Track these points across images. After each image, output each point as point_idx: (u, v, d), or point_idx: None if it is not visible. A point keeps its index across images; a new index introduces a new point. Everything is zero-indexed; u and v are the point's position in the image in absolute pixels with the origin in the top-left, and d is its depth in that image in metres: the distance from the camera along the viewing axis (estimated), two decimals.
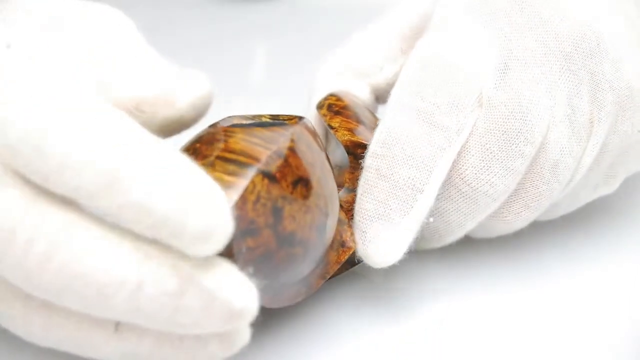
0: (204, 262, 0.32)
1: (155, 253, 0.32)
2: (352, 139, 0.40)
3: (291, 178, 0.35)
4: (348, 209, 0.40)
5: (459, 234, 0.41)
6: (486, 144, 0.39)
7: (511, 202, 0.41)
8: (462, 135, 0.39)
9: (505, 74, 0.40)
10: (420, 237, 0.42)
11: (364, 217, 0.39)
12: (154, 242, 0.32)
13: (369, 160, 0.39)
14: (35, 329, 0.34)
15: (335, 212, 0.38)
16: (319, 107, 0.42)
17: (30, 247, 0.32)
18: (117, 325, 0.34)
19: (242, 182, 0.34)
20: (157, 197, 0.31)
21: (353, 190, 0.41)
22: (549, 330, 0.40)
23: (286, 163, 0.35)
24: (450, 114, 0.39)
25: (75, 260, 0.32)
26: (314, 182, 0.36)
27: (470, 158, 0.39)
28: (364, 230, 0.39)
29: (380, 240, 0.38)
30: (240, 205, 0.33)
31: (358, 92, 0.45)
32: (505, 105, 0.39)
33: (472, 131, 0.39)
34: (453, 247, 0.43)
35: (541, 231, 0.45)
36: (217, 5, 0.69)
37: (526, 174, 0.40)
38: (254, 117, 0.38)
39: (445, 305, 0.42)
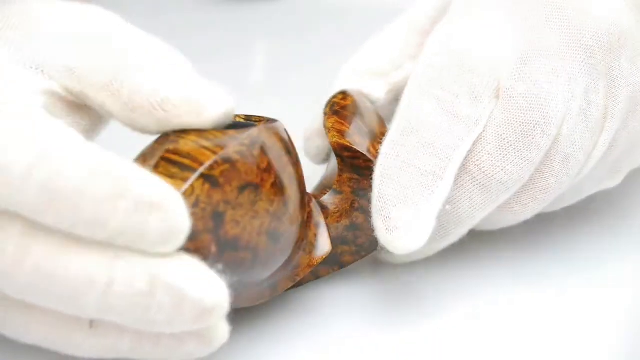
0: (173, 259, 0.33)
1: (126, 252, 0.32)
2: (339, 141, 0.40)
3: (237, 183, 0.35)
4: (335, 211, 0.40)
5: (466, 227, 0.41)
6: (503, 133, 0.40)
7: (520, 193, 0.41)
8: (480, 125, 0.40)
9: (525, 65, 0.40)
10: None
11: (386, 202, 0.38)
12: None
13: (388, 148, 0.39)
14: (17, 328, 0.35)
15: (296, 218, 0.38)
16: (325, 105, 0.42)
17: (3, 250, 0.32)
18: (92, 322, 0.34)
19: (179, 186, 0.34)
20: (108, 212, 0.32)
21: (340, 192, 0.41)
22: (553, 330, 0.41)
23: (233, 168, 0.35)
24: (470, 104, 0.40)
25: (46, 261, 0.32)
26: (266, 188, 0.36)
27: (487, 146, 0.40)
28: (386, 215, 0.38)
29: (405, 225, 0.38)
30: None
31: (375, 92, 0.45)
32: (523, 97, 0.40)
33: (490, 121, 0.40)
34: (455, 245, 0.43)
35: (541, 227, 0.45)
36: (217, 6, 0.69)
37: (537, 165, 0.40)
38: None
39: (448, 305, 0.42)
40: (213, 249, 0.35)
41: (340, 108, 0.41)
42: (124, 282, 0.32)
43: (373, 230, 0.40)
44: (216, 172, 0.35)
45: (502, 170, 0.40)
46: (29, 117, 0.34)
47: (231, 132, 0.36)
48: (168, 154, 0.35)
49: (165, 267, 0.33)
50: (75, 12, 0.38)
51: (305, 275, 0.40)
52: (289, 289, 0.41)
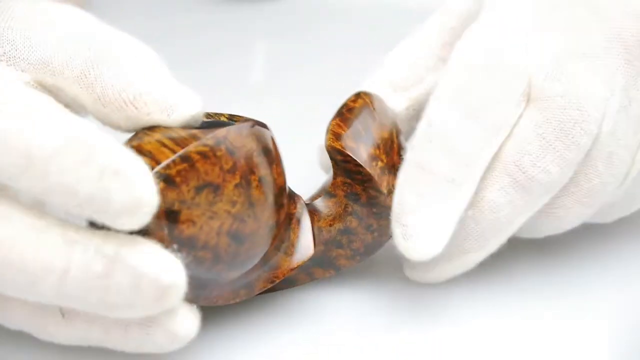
0: (129, 242, 0.33)
1: (80, 238, 0.33)
2: (333, 144, 0.40)
3: (195, 183, 0.35)
4: (328, 214, 0.40)
5: (505, 234, 0.41)
6: (543, 133, 0.39)
7: (562, 196, 0.40)
8: (504, 130, 0.39)
9: (562, 64, 0.40)
10: (457, 248, 0.40)
11: (404, 209, 0.39)
12: (80, 228, 0.34)
13: (410, 154, 0.39)
14: (1, 315, 0.36)
15: (266, 220, 0.38)
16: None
17: None
18: (62, 311, 0.35)
19: None
20: (79, 178, 0.33)
21: (334, 195, 0.41)
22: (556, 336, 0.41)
23: (191, 167, 0.35)
24: (495, 109, 0.39)
25: (3, 249, 0.33)
26: (228, 189, 0.36)
27: (527, 146, 0.39)
28: (404, 223, 0.38)
29: (421, 233, 0.38)
30: None
31: (394, 107, 0.44)
32: (561, 96, 0.39)
33: (528, 121, 0.39)
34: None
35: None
36: (217, 6, 0.69)
37: (579, 166, 0.40)
38: (209, 115, 0.38)
39: (448, 308, 0.42)
40: (168, 246, 0.35)
41: (347, 110, 0.41)
42: (81, 267, 0.33)
43: (367, 235, 0.40)
44: (172, 171, 0.35)
45: (543, 170, 0.39)
46: (9, 87, 0.35)
47: (198, 132, 0.37)
48: (131, 150, 0.35)
49: (122, 249, 0.33)
50: (52, 10, 0.38)
51: (300, 277, 0.41)
52: (280, 289, 0.41)
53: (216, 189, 0.36)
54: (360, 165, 0.40)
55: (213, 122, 0.38)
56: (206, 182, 0.36)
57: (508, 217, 0.40)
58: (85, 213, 0.33)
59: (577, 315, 0.41)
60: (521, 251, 0.44)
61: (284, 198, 0.39)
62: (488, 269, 0.43)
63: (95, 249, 0.33)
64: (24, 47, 0.37)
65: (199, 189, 0.35)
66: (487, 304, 0.42)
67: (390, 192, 0.40)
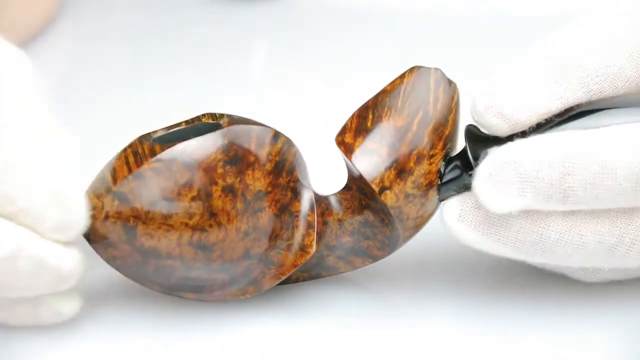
0: (33, 235, 0.36)
1: None
2: (336, 138, 0.40)
3: (148, 199, 0.38)
4: (347, 207, 0.40)
5: None
6: None
7: None
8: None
9: None
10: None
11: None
12: None
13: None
14: None
15: (235, 227, 0.39)
16: None
17: None
18: None
19: (93, 201, 0.38)
20: (22, 190, 0.36)
21: (350, 188, 0.40)
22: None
23: (144, 185, 0.37)
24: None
25: None
26: (184, 202, 0.38)
27: None
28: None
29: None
30: (92, 222, 0.38)
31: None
32: None
33: None
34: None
35: None
36: (217, 6, 0.69)
37: None
38: (207, 116, 0.40)
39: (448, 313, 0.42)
40: (136, 256, 0.38)
41: (376, 96, 0.40)
42: None
43: (385, 229, 0.40)
44: (126, 189, 0.37)
45: None
46: None
47: (158, 147, 0.38)
48: (110, 167, 0.38)
49: (26, 236, 0.36)
50: None
51: (341, 265, 0.41)
52: (319, 277, 0.41)
53: (170, 202, 0.38)
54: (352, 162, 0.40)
55: (194, 127, 0.39)
56: (160, 197, 0.38)
57: None
58: (18, 222, 0.36)
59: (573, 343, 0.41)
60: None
61: (266, 201, 0.39)
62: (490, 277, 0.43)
63: (3, 234, 0.36)
64: None
65: (153, 204, 0.37)
66: (485, 305, 0.42)
67: (385, 188, 0.39)
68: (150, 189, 0.38)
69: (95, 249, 0.38)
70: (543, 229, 0.38)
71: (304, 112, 0.49)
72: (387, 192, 0.39)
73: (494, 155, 0.38)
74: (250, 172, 0.39)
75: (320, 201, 0.41)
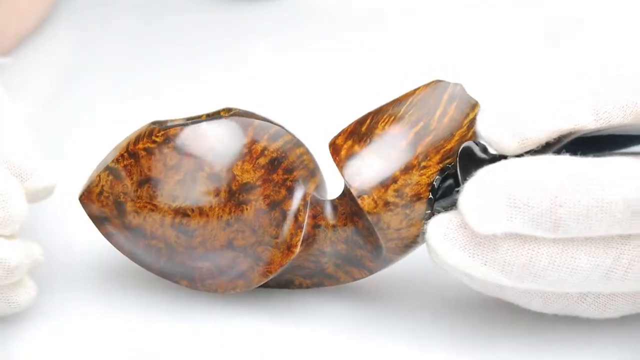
0: None
1: None
2: (330, 142, 0.40)
3: (137, 177, 0.39)
4: (342, 212, 0.40)
5: None
6: None
7: None
8: None
9: None
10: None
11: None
12: None
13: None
14: None
15: (216, 216, 0.39)
16: None
17: None
18: None
19: (94, 176, 0.40)
20: None
21: (345, 195, 0.40)
22: None
23: (136, 163, 0.39)
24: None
25: None
26: (169, 185, 0.39)
27: None
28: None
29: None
30: (86, 195, 0.40)
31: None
32: None
33: None
34: None
35: None
36: (217, 6, 0.69)
37: None
38: (192, 117, 0.41)
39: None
40: (126, 233, 0.40)
41: (391, 101, 0.39)
42: None
43: (373, 238, 0.39)
44: (119, 166, 0.39)
45: None
46: None
47: (156, 130, 0.39)
48: (117, 145, 0.40)
49: None
50: None
51: (341, 275, 0.40)
52: (322, 285, 0.41)
53: (157, 183, 0.39)
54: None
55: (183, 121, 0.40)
56: (148, 177, 0.39)
57: None
58: None
59: None
60: None
61: (254, 194, 0.39)
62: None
63: None
64: None
65: (140, 183, 0.39)
66: (482, 312, 0.42)
67: (364, 192, 0.38)
68: (140, 167, 0.39)
69: (94, 224, 0.40)
70: (533, 252, 0.36)
71: (304, 112, 0.49)
72: (365, 197, 0.38)
73: (483, 174, 0.36)
74: (240, 163, 0.39)
75: (315, 204, 0.40)
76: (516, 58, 0.61)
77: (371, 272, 0.41)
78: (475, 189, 0.36)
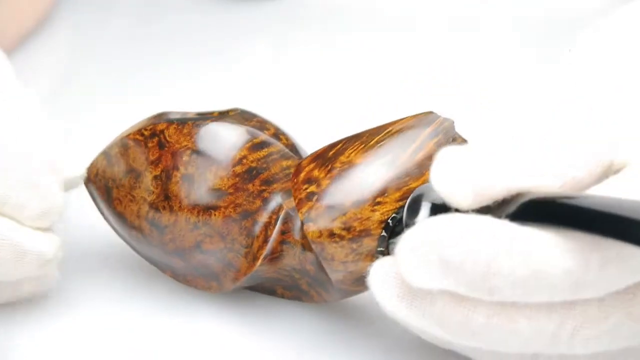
0: (15, 224, 0.38)
1: None
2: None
3: (124, 167, 0.40)
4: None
5: None
6: None
7: None
8: None
9: None
10: None
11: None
12: None
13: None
14: None
15: (185, 216, 0.39)
16: None
17: None
18: None
19: (95, 157, 0.41)
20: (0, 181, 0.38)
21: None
22: None
23: (125, 152, 0.41)
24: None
25: None
26: (147, 178, 0.40)
27: None
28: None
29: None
30: (88, 174, 0.41)
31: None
32: None
33: None
34: None
35: None
36: (217, 6, 0.69)
37: None
38: (202, 112, 0.41)
39: None
40: (114, 218, 0.41)
41: (373, 128, 0.38)
42: None
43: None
44: (112, 152, 0.41)
45: None
46: None
47: (151, 120, 0.41)
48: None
49: (8, 227, 0.38)
50: None
51: (314, 295, 0.39)
52: (286, 298, 0.41)
53: (137, 175, 0.40)
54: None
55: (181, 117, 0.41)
56: (132, 167, 0.40)
57: None
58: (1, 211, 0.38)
59: None
60: None
61: (223, 201, 0.39)
62: None
63: None
64: None
65: (125, 173, 0.40)
66: None
67: (309, 219, 0.37)
68: (127, 157, 0.40)
69: (94, 203, 0.42)
70: (469, 310, 0.33)
71: (303, 112, 0.49)
72: (311, 224, 0.37)
73: (420, 228, 0.33)
74: (214, 168, 0.39)
75: (288, 220, 0.39)
76: (516, 58, 0.61)
77: (335, 299, 0.39)
78: (411, 242, 0.33)
